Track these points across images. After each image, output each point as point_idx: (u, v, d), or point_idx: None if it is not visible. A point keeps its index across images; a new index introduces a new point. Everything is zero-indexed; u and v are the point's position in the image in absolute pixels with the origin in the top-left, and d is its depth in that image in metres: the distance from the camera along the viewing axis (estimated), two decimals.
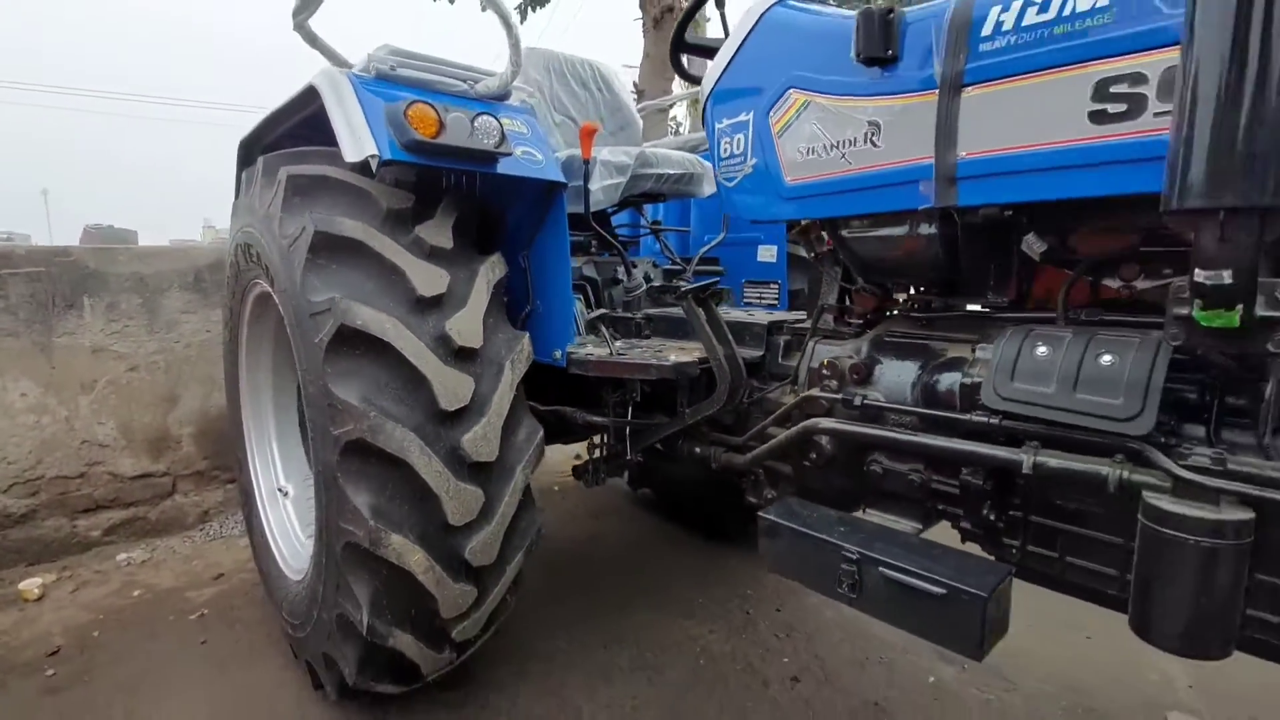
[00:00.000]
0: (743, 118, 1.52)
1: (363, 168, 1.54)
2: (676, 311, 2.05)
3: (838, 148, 1.32)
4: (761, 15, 1.49)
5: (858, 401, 1.41)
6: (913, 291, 1.47)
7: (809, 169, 1.39)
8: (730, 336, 1.67)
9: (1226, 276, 0.77)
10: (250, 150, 2.20)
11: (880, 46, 1.19)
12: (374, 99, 1.56)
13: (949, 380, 1.30)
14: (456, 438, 1.51)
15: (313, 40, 1.94)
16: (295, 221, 1.60)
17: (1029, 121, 1.04)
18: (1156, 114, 0.93)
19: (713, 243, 2.42)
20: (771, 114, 1.45)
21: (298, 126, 1.93)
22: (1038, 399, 1.09)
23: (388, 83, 1.62)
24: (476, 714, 1.96)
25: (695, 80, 1.90)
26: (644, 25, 6.41)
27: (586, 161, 1.97)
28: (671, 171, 2.16)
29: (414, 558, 1.48)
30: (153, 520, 3.19)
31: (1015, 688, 2.12)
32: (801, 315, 1.96)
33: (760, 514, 1.41)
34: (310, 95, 1.68)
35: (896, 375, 1.41)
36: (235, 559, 2.96)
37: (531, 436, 1.68)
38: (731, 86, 1.55)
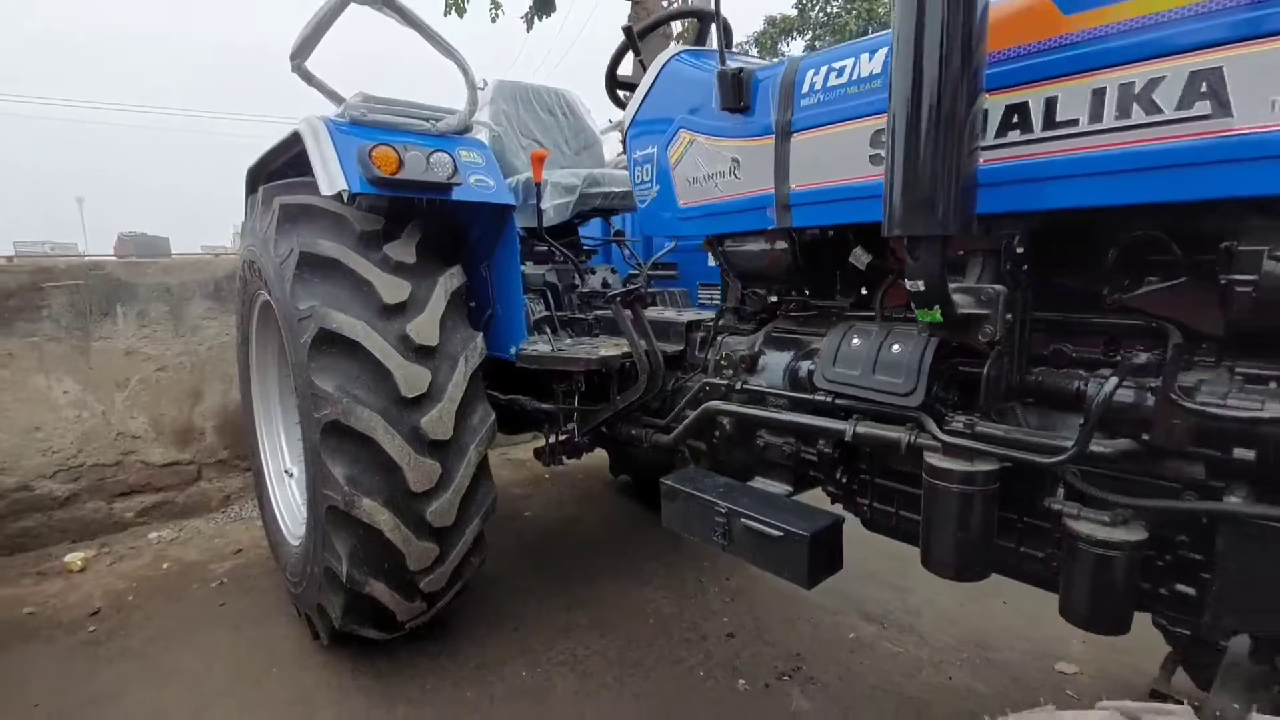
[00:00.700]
0: (649, 150, 1.82)
1: (340, 197, 1.87)
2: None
3: (712, 179, 1.61)
4: (663, 65, 1.79)
5: (739, 386, 1.70)
6: (791, 294, 1.75)
7: (694, 195, 1.68)
8: (651, 334, 1.97)
9: (921, 285, 1.05)
10: (255, 178, 2.55)
11: (734, 100, 1.49)
12: (347, 140, 1.89)
13: (804, 368, 1.58)
14: (416, 419, 1.83)
15: (309, 79, 2.28)
16: (286, 243, 1.93)
17: (834, 162, 1.33)
18: None
19: (664, 250, 2.72)
20: (669, 148, 1.74)
21: (293, 158, 2.27)
22: (850, 380, 1.38)
23: (360, 127, 1.95)
24: (449, 660, 2.29)
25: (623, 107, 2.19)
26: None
27: (538, 184, 2.29)
28: (616, 189, 2.47)
29: (382, 518, 1.80)
30: (180, 503, 3.58)
31: (926, 643, 2.39)
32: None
33: (661, 480, 1.71)
34: (297, 138, 2.01)
35: (774, 364, 1.70)
36: (252, 538, 3.32)
37: (485, 419, 1.99)
38: (642, 123, 1.85)
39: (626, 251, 2.97)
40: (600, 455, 4.14)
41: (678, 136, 1.71)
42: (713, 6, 1.64)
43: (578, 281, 2.60)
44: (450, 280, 2.00)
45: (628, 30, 1.95)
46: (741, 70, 1.48)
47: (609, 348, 2.06)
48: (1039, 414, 1.25)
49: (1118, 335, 1.17)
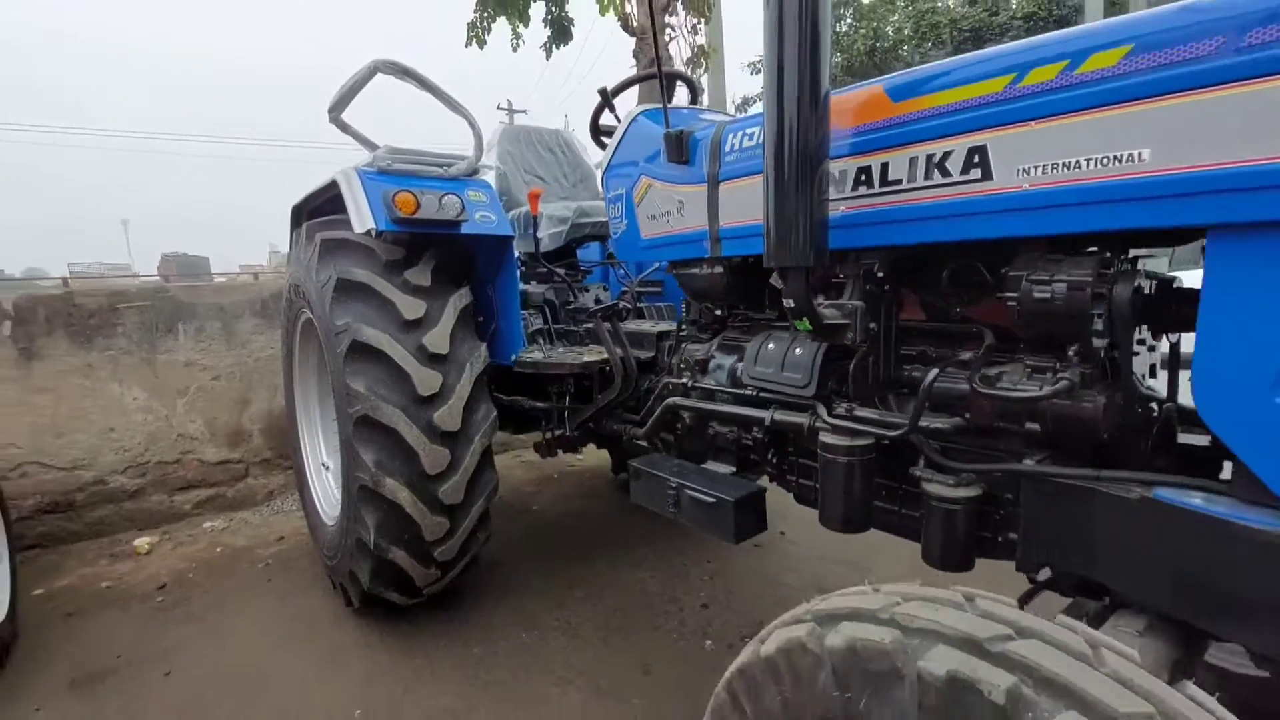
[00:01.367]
0: (620, 191, 2.20)
1: (369, 233, 2.29)
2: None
3: (665, 216, 1.99)
4: (631, 120, 2.18)
5: (693, 385, 2.06)
6: (731, 309, 2.11)
7: (653, 229, 2.06)
8: (626, 343, 2.35)
9: (791, 303, 1.40)
10: (299, 214, 3.00)
11: (679, 155, 1.86)
12: (375, 186, 2.30)
13: (738, 368, 1.94)
14: (430, 414, 2.22)
15: (345, 129, 2.71)
16: (325, 271, 2.35)
17: (747, 206, 1.69)
18: None
19: (649, 270, 3.10)
20: (634, 190, 2.12)
21: (330, 200, 2.70)
22: (767, 377, 1.73)
23: (385, 175, 2.36)
24: (460, 624, 2.67)
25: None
26: (639, 69, 7.17)
27: (535, 217, 2.69)
28: (603, 219, 2.86)
29: (402, 495, 2.19)
30: (230, 497, 4.04)
31: None
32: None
33: (629, 463, 2.07)
34: (334, 184, 2.43)
35: (719, 366, 2.05)
36: (293, 527, 3.75)
37: (487, 415, 2.38)
38: (614, 168, 2.24)
39: (621, 271, 3.36)
40: (604, 456, 4.53)
41: (640, 181, 2.09)
42: (687, 69, 2.02)
43: (573, 298, 2.99)
44: (459, 299, 2.40)
45: (603, 91, 2.34)
46: (683, 131, 1.86)
47: (592, 355, 2.44)
48: (906, 400, 1.60)
49: (959, 338, 1.51)
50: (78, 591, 3.09)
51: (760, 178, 1.40)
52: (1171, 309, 1.27)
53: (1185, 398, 1.26)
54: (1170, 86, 1.00)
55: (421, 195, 2.27)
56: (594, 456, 4.69)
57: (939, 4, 14.42)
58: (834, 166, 1.48)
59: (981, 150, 1.23)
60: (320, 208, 2.87)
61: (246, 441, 4.10)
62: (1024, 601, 1.55)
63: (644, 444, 2.41)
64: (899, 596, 0.92)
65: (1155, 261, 1.35)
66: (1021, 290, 1.24)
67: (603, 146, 2.67)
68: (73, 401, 3.60)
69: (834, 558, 3.10)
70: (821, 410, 1.62)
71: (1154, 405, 1.36)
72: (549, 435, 2.77)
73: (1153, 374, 1.43)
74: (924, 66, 1.38)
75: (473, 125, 2.49)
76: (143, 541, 3.57)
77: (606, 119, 2.64)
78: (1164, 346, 1.41)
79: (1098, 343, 1.18)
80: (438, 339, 2.27)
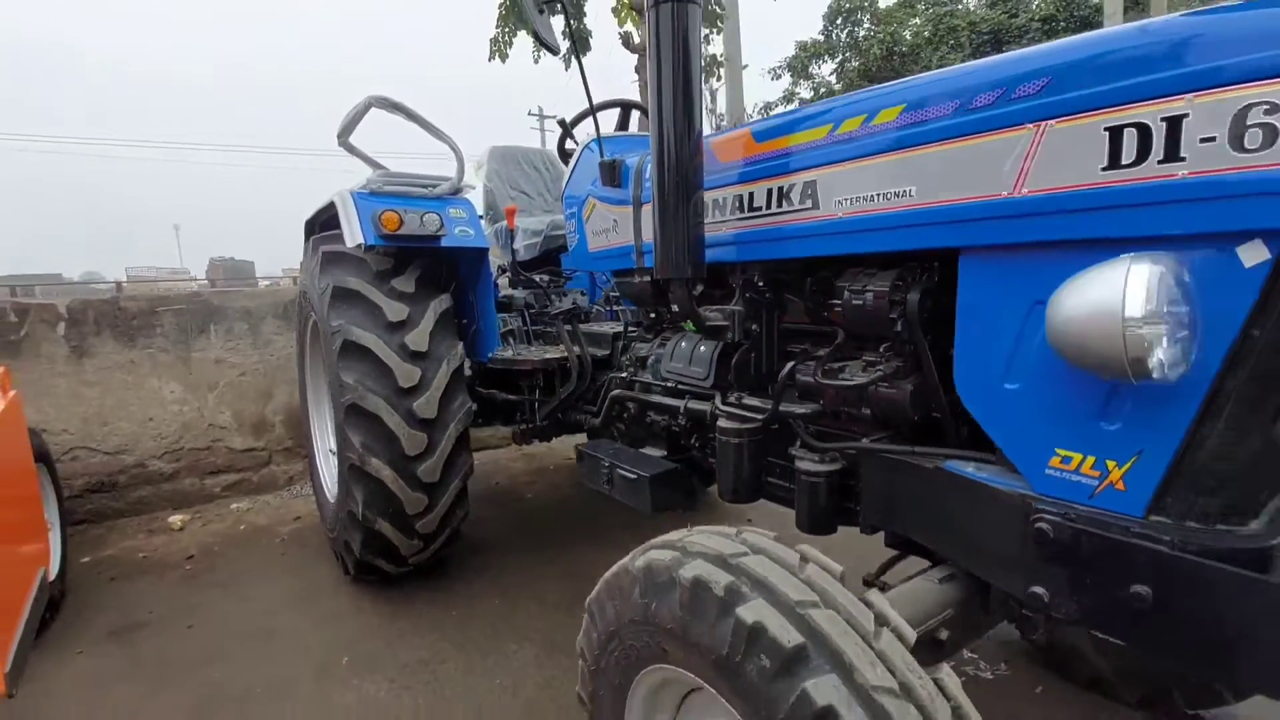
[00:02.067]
0: (574, 209, 2.52)
1: (360, 247, 2.64)
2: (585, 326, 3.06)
3: (606, 232, 2.29)
4: (581, 150, 2.50)
5: (633, 379, 2.36)
6: (664, 312, 2.39)
7: (598, 243, 2.37)
8: (584, 342, 2.66)
9: (675, 307, 1.69)
10: (311, 227, 3.38)
11: (611, 180, 2.17)
12: (365, 206, 2.66)
13: (662, 364, 2.23)
14: (410, 404, 2.56)
15: (352, 150, 3.07)
16: (325, 279, 2.71)
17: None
18: None
19: None
20: (584, 209, 2.44)
21: (333, 216, 3.07)
22: (678, 371, 2.03)
23: (375, 195, 2.72)
24: (442, 593, 3.00)
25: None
26: (639, 88, 7.47)
27: (511, 230, 3.02)
28: None
29: (385, 473, 2.54)
30: (255, 481, 4.47)
31: None
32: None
33: (576, 447, 2.38)
34: (332, 205, 2.80)
35: (654, 362, 2.35)
36: (308, 509, 4.15)
37: (463, 405, 2.71)
38: (570, 190, 2.56)
39: (604, 277, 3.67)
40: None
41: (588, 201, 2.40)
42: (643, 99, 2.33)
43: (549, 303, 3.31)
44: (439, 304, 2.74)
45: (562, 122, 2.66)
46: (615, 160, 2.16)
47: (555, 353, 2.76)
48: (787, 390, 1.87)
49: (825, 337, 1.78)
50: (118, 560, 3.53)
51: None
52: None
53: None
54: (927, 139, 1.27)
55: (405, 213, 2.61)
56: None
57: (958, 7, 14.41)
58: (720, 194, 1.77)
59: (812, 184, 1.51)
60: (327, 223, 3.24)
61: (269, 431, 4.52)
62: (886, 568, 1.82)
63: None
64: (694, 532, 1.21)
65: None
66: (844, 298, 1.51)
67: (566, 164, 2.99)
68: (117, 394, 4.06)
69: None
70: (718, 399, 1.91)
71: None
72: (523, 426, 3.10)
73: None
74: (781, 113, 1.66)
75: (455, 151, 2.84)
76: (176, 519, 4.00)
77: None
78: None
79: (901, 341, 1.45)
80: (418, 338, 2.61)
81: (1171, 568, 1.01)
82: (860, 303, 1.47)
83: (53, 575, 2.94)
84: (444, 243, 2.72)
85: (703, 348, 1.98)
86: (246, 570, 3.37)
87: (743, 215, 1.71)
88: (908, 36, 13.24)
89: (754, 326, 1.81)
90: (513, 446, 5.45)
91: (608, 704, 1.36)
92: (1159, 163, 0.98)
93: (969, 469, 1.33)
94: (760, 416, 1.74)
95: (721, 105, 11.25)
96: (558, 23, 2.54)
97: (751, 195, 1.68)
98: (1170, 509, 1.06)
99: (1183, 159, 0.96)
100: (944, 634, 1.35)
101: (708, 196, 1.80)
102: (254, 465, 4.48)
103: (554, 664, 2.44)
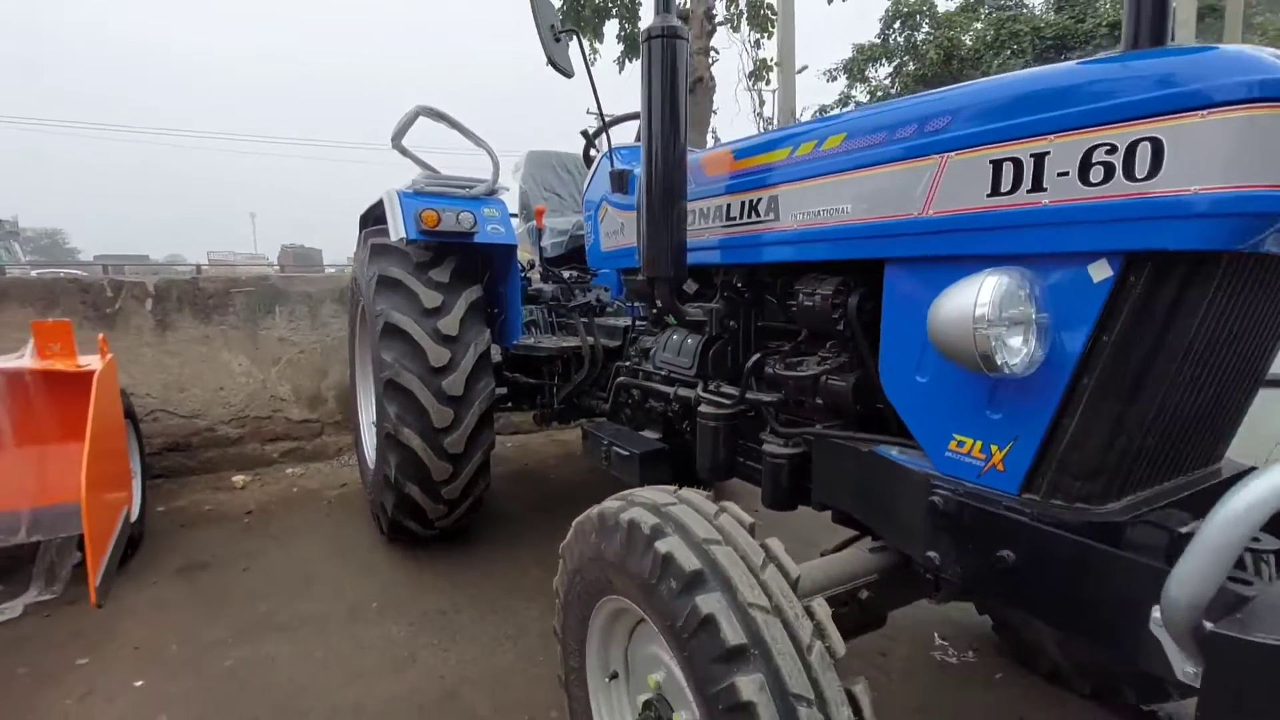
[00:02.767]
0: (591, 212, 2.77)
1: (402, 241, 2.97)
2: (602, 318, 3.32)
3: (615, 234, 2.54)
4: (600, 159, 2.75)
5: (634, 367, 2.60)
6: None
7: (609, 243, 2.62)
8: (597, 333, 2.92)
9: (660, 302, 1.92)
10: (365, 221, 3.75)
11: (620, 187, 2.41)
12: (409, 204, 2.98)
13: (656, 355, 2.47)
14: (440, 382, 2.87)
15: (404, 153, 3.41)
16: (372, 268, 3.05)
17: None
18: None
19: None
20: (598, 212, 2.69)
21: (383, 212, 3.42)
22: (669, 361, 2.26)
23: (418, 195, 3.04)
24: (462, 555, 3.31)
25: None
26: None
27: (540, 229, 3.30)
28: None
29: (415, 442, 2.85)
30: (308, 450, 4.91)
31: None
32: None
33: (581, 426, 2.65)
34: (381, 202, 3.14)
35: (654, 353, 2.59)
36: (353, 478, 4.55)
37: (487, 385, 3.01)
38: (589, 194, 2.82)
39: None
40: None
41: (602, 205, 2.66)
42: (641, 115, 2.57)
43: (574, 296, 3.59)
44: (470, 294, 3.04)
45: (584, 133, 2.92)
46: (624, 170, 2.41)
47: (570, 342, 3.03)
48: (757, 380, 2.08)
49: (792, 334, 1.99)
50: (188, 511, 3.98)
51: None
52: None
53: None
54: (861, 164, 1.48)
55: (443, 212, 2.92)
56: None
57: (1022, 11, 14.05)
58: (705, 204, 2.00)
59: (775, 199, 1.73)
60: (378, 218, 3.60)
61: (323, 405, 4.96)
62: (842, 547, 2.00)
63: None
64: (644, 489, 1.45)
65: None
66: (799, 300, 1.72)
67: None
68: (194, 364, 4.54)
69: (789, 535, 3.53)
70: (700, 387, 2.14)
71: None
72: (542, 409, 3.38)
73: None
74: (757, 135, 1.88)
75: (491, 156, 3.14)
76: (239, 479, 4.46)
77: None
78: None
79: (845, 339, 1.65)
80: (449, 324, 2.92)
81: (1030, 536, 1.20)
82: (811, 304, 1.68)
83: (134, 517, 3.39)
84: (476, 239, 3.02)
85: (689, 341, 2.21)
86: (296, 526, 3.76)
87: (723, 224, 1.93)
88: (967, 41, 13.00)
89: (731, 323, 2.03)
90: (546, 433, 5.77)
91: (574, 633, 1.61)
92: (1028, 192, 1.17)
93: (894, 453, 1.52)
94: (727, 402, 1.96)
95: (768, 109, 11.37)
96: (612, 27, 2.76)
97: (729, 206, 1.90)
98: (1040, 488, 1.25)
99: (1045, 189, 1.14)
100: (864, 594, 1.55)
101: (696, 206, 2.03)
102: (308, 435, 4.92)
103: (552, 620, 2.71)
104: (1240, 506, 0.85)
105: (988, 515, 1.26)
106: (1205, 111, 0.97)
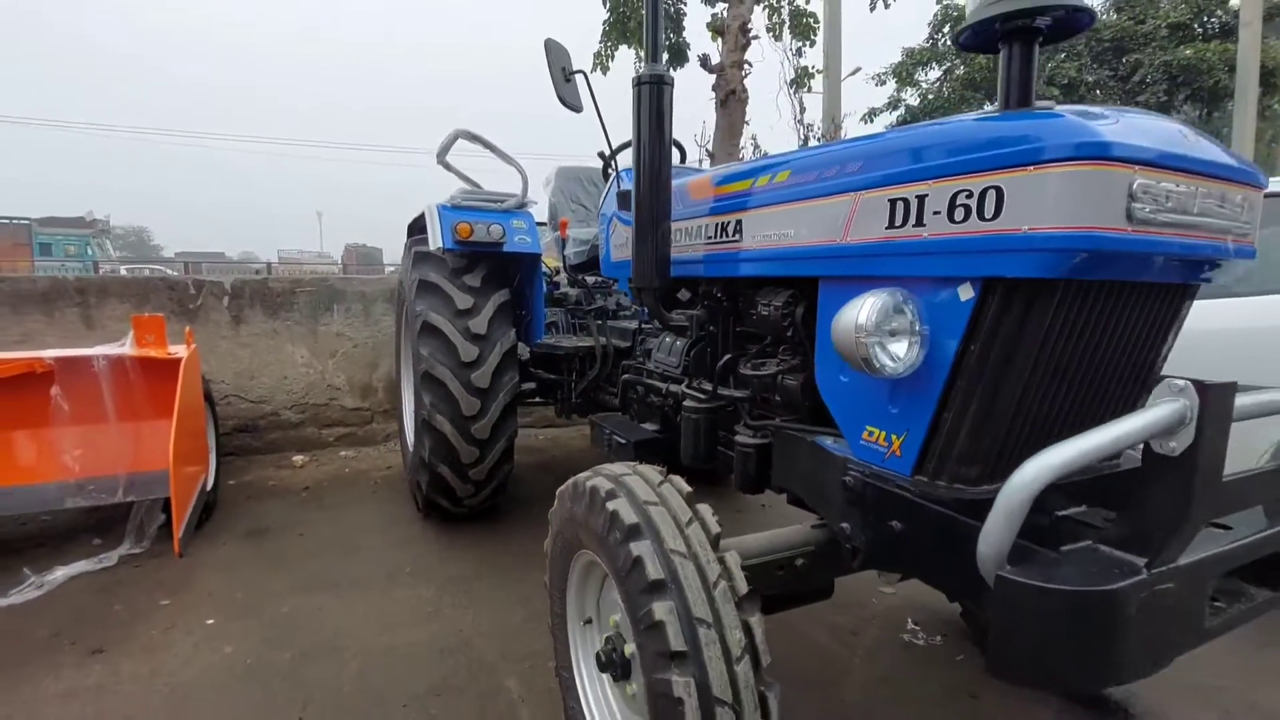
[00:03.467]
0: (604, 225, 3.10)
1: (440, 249, 3.36)
2: (616, 320, 3.64)
3: (623, 246, 2.85)
4: (613, 178, 3.07)
5: (639, 366, 2.91)
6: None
7: (618, 254, 2.93)
8: (609, 335, 3.24)
9: (646, 310, 2.21)
10: (412, 230, 4.17)
11: (626, 206, 2.72)
12: (447, 217, 3.36)
13: (654, 355, 2.76)
14: (469, 375, 3.24)
15: (449, 168, 3.81)
16: (414, 273, 3.45)
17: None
18: None
19: None
20: (610, 226, 3.02)
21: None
22: (662, 362, 2.56)
23: (455, 209, 3.42)
24: (487, 530, 3.69)
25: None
26: (715, 103, 7.91)
27: (563, 239, 3.65)
28: None
29: (446, 428, 3.23)
30: (360, 435, 5.40)
31: None
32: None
33: (589, 418, 2.97)
34: (424, 214, 3.54)
35: (656, 353, 2.89)
36: (397, 462, 5.00)
37: (511, 379, 3.37)
38: (603, 209, 3.14)
39: None
40: None
41: (612, 221, 2.98)
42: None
43: (593, 301, 3.92)
44: (499, 297, 3.41)
45: (602, 155, 3.24)
46: (629, 192, 2.72)
47: (585, 342, 3.36)
48: (730, 378, 2.36)
49: (759, 338, 2.25)
50: (254, 485, 4.49)
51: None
52: None
53: None
54: (801, 196, 1.75)
55: (475, 224, 3.29)
56: None
57: None
58: (691, 224, 2.29)
59: (741, 222, 2.01)
60: (422, 228, 4.01)
61: (374, 395, 5.44)
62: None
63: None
64: (613, 464, 1.76)
65: None
66: (758, 309, 2.00)
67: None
68: (262, 356, 5.08)
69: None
70: (684, 385, 2.43)
71: None
72: (562, 402, 3.72)
73: None
74: (735, 164, 2.16)
75: (521, 173, 3.50)
76: (298, 459, 4.97)
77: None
78: None
79: (794, 344, 1.92)
80: (479, 323, 3.29)
81: (911, 509, 1.46)
82: (768, 313, 1.96)
83: (209, 486, 3.89)
84: (505, 248, 3.39)
85: (678, 343, 2.50)
86: (345, 501, 4.22)
87: (704, 241, 2.22)
88: None
89: (711, 327, 2.32)
90: (574, 427, 6.13)
91: (558, 585, 1.93)
92: (913, 226, 1.42)
93: (828, 442, 1.79)
94: (702, 396, 2.25)
95: (809, 116, 11.48)
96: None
97: (707, 226, 2.19)
98: (928, 471, 1.50)
99: (925, 225, 1.40)
100: (799, 561, 1.82)
101: (686, 225, 2.33)
102: (360, 422, 5.41)
103: None
104: (1027, 476, 1.10)
105: (884, 492, 1.52)
106: (1033, 166, 1.22)
